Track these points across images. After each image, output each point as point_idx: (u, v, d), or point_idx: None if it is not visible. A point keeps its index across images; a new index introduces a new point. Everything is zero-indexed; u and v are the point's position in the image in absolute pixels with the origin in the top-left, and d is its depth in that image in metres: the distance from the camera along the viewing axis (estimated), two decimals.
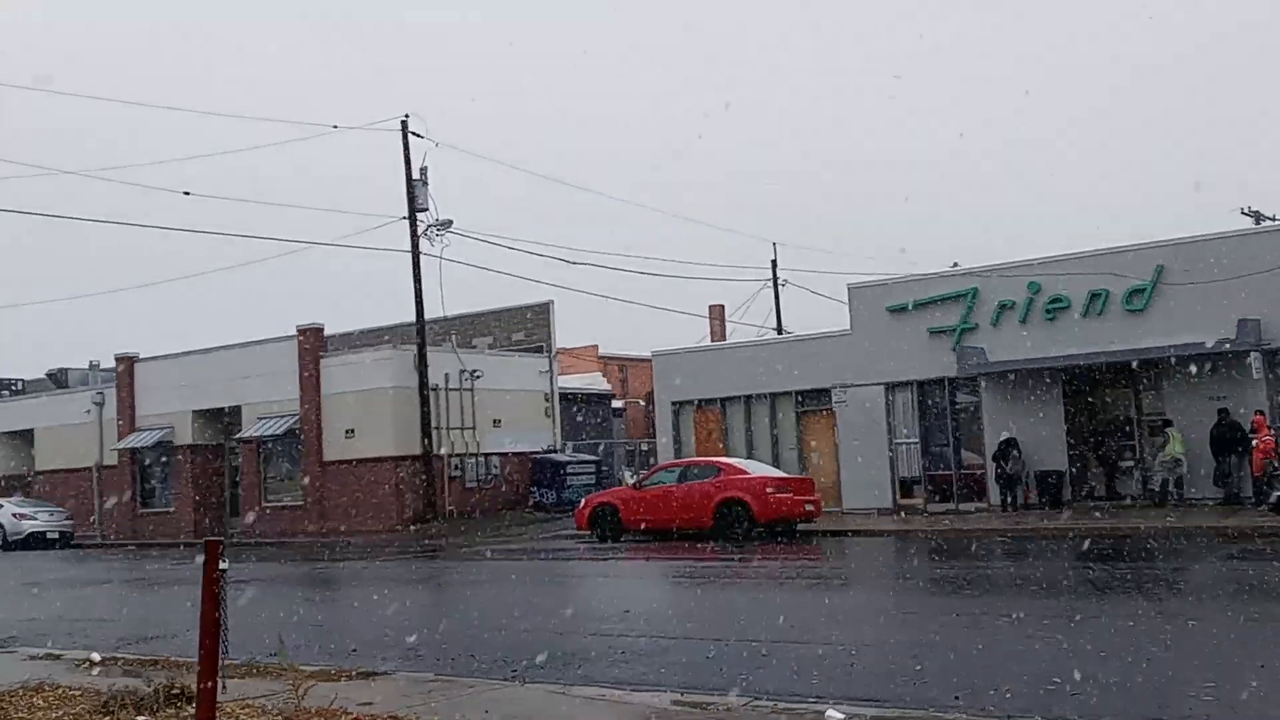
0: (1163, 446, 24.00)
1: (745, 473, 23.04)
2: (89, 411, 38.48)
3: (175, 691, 8.70)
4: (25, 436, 41.05)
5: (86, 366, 42.54)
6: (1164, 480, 23.65)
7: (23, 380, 45.83)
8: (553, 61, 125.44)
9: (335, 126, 30.69)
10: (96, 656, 11.79)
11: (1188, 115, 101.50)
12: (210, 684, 7.02)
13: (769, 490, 22.32)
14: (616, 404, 47.38)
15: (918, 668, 9.31)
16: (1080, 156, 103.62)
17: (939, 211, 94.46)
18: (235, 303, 77.53)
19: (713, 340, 47.47)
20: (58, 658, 12.11)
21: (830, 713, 7.64)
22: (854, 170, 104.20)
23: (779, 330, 44.72)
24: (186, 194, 27.15)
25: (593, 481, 33.81)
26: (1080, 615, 11.33)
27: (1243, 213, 38.88)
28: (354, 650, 11.80)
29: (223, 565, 7.14)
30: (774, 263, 47.76)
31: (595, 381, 47.15)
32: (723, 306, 55.55)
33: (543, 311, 37.76)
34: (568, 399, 42.15)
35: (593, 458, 35.90)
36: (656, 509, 23.47)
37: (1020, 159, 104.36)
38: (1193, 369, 23.61)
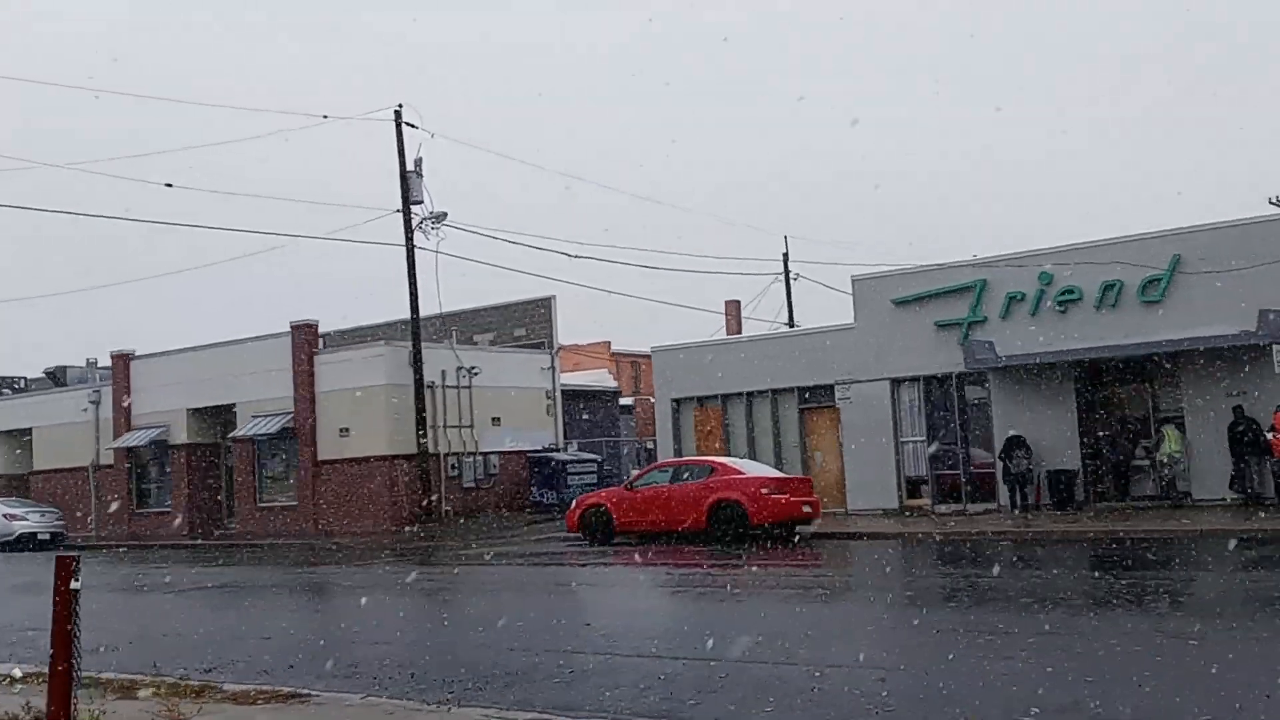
0: (1158, 445, 23.19)
1: (740, 473, 22.08)
2: (85, 410, 37.89)
3: None
4: (23, 435, 40.53)
5: (84, 364, 42.00)
6: (1167, 479, 22.90)
7: (25, 378, 45.36)
8: (548, 55, 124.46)
9: (325, 117, 29.79)
10: (19, 673, 10.99)
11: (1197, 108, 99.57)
12: (61, 713, 6.26)
13: (764, 491, 21.36)
14: (625, 401, 46.46)
15: (883, 693, 8.40)
16: (1091, 151, 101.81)
17: (950, 210, 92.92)
18: (232, 300, 76.64)
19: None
20: None
21: None
22: (864, 166, 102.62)
23: (790, 325, 43.75)
24: (169, 185, 26.43)
25: (594, 480, 32.90)
26: (1072, 631, 10.37)
27: (1270, 202, 37.61)
28: (291, 666, 11.02)
29: (75, 584, 6.36)
30: (785, 256, 46.81)
31: (602, 379, 46.26)
32: (738, 302, 54.53)
33: (544, 306, 36.90)
34: (573, 396, 41.28)
35: (594, 456, 34.99)
36: (649, 510, 22.56)
37: (1034, 155, 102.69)
38: (1211, 363, 22.54)
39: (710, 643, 10.85)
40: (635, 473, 26.24)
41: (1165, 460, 22.92)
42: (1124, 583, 13.51)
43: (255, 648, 12.43)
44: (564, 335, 58.31)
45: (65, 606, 6.29)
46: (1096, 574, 14.78)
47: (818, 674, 9.20)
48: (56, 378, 42.32)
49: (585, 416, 41.45)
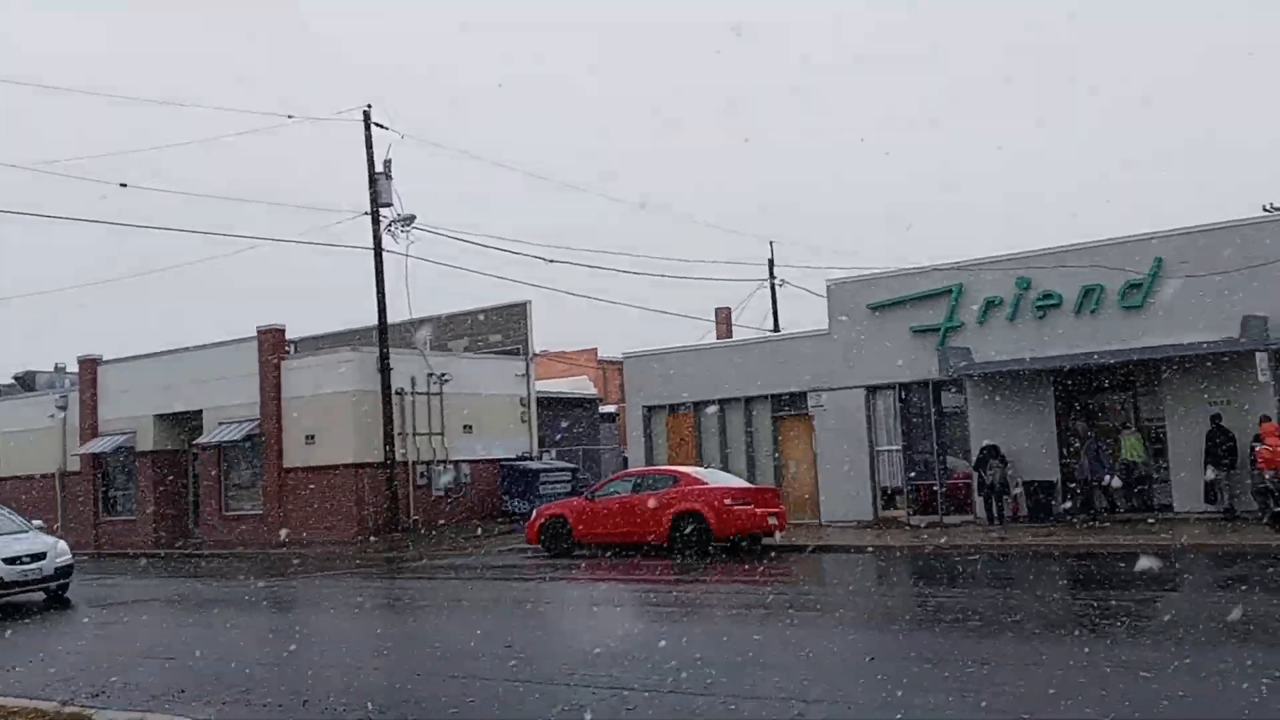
0: (1117, 451, 22.84)
1: (703, 483, 21.25)
2: (52, 416, 37.09)
3: None
4: None
5: (53, 369, 41.19)
6: (1121, 488, 22.65)
7: None
8: (511, 63, 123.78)
9: (290, 117, 28.93)
10: None
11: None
12: None
13: (727, 502, 20.53)
14: (607, 409, 45.58)
15: None
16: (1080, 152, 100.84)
17: (931, 214, 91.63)
18: (202, 305, 74.63)
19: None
20: None
21: None
22: (843, 172, 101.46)
23: (776, 332, 42.97)
24: (123, 185, 25.57)
25: (569, 490, 32.06)
26: (1015, 660, 9.58)
27: (1265, 209, 36.81)
28: (182, 691, 10.29)
29: None
30: (770, 262, 46.12)
31: (582, 385, 45.41)
32: (729, 309, 53.81)
33: (519, 312, 36.09)
34: (551, 404, 40.49)
35: (568, 465, 34.16)
36: (609, 522, 21.74)
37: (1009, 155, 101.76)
38: (1194, 371, 21.73)
39: (631, 669, 10.06)
40: (597, 483, 25.35)
41: (1122, 467, 22.62)
42: (1083, 603, 12.69)
43: (158, 670, 11.74)
44: (551, 342, 57.43)
45: None
46: (1057, 593, 13.95)
47: (733, 706, 8.43)
48: (25, 383, 41.49)
49: (564, 424, 40.64)
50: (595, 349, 59.76)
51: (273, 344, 31.81)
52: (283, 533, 30.47)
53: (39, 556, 18.34)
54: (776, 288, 46.28)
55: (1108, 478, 22.22)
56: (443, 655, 11.49)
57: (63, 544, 19.35)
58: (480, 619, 14.30)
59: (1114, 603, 12.44)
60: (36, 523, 20.99)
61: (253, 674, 11.05)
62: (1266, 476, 19.51)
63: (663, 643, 11.36)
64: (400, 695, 9.57)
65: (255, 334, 32.07)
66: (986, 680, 8.79)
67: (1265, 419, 20.10)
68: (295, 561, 25.62)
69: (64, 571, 18.73)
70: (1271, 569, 14.99)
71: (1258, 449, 19.63)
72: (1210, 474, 20.88)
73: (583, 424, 42.87)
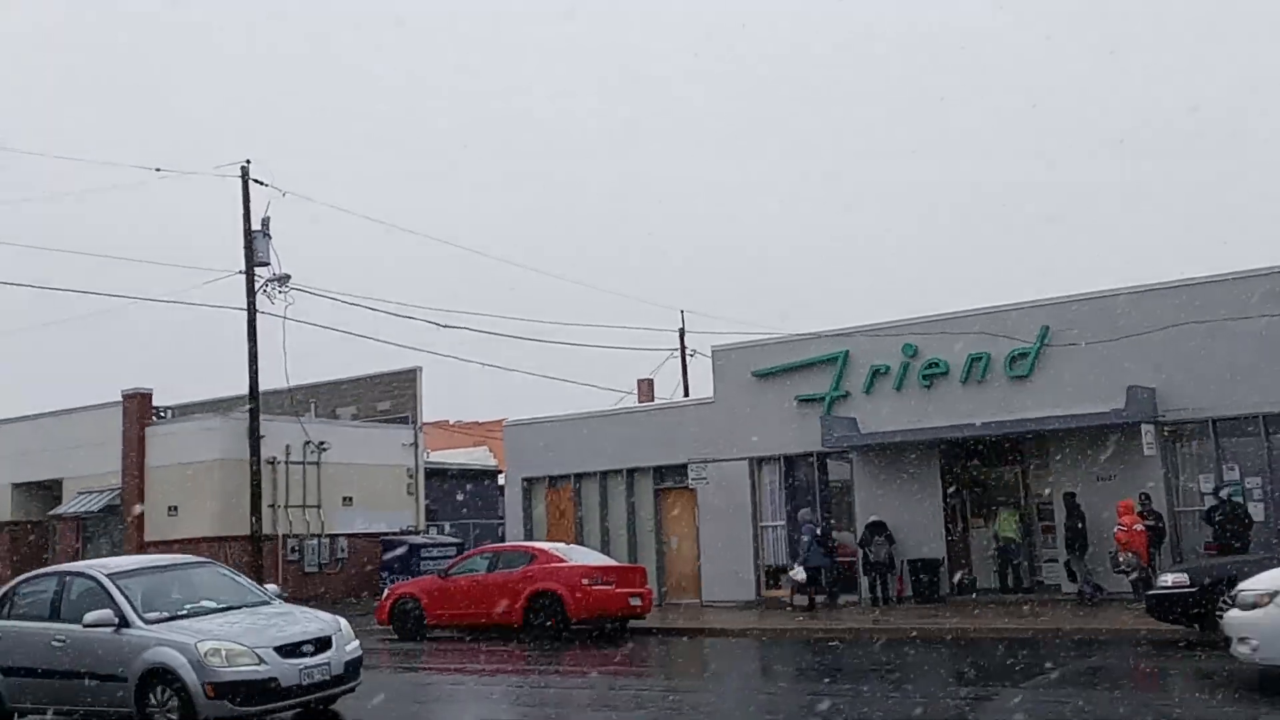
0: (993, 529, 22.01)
1: (561, 560, 19.79)
2: None
3: None
4: None
5: None
6: (1001, 565, 21.76)
7: None
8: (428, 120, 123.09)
9: (158, 170, 27.45)
10: None
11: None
12: None
13: (585, 581, 19.07)
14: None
15: None
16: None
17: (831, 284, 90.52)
18: (69, 367, 70.85)
19: None
20: None
21: None
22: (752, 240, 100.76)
23: None
24: None
25: None
26: None
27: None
28: None
29: None
30: (681, 331, 44.89)
31: (481, 457, 43.85)
32: (652, 381, 52.39)
33: (409, 378, 34.63)
34: (447, 475, 38.96)
35: (454, 540, 32.49)
36: (464, 602, 20.16)
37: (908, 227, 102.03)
38: (1080, 443, 20.78)
39: None
40: (452, 560, 23.75)
41: (999, 544, 21.61)
42: (920, 700, 11.37)
43: None
44: (460, 413, 55.69)
45: None
46: (904, 688, 12.61)
47: None
48: None
49: (459, 497, 39.02)
50: (504, 420, 58.22)
51: (138, 409, 30.09)
52: None
53: (323, 644, 11.15)
54: (688, 357, 45.21)
55: (796, 568, 21.14)
56: None
57: (344, 622, 11.88)
58: None
59: (959, 699, 11.15)
60: (271, 587, 12.84)
61: None
62: (1120, 559, 18.55)
63: None
64: None
65: (120, 398, 30.31)
66: None
67: (1145, 496, 19.35)
68: None
69: (353, 669, 11.53)
70: (1127, 657, 13.87)
71: (1117, 530, 18.70)
72: (1064, 555, 20.07)
73: (481, 496, 41.26)
